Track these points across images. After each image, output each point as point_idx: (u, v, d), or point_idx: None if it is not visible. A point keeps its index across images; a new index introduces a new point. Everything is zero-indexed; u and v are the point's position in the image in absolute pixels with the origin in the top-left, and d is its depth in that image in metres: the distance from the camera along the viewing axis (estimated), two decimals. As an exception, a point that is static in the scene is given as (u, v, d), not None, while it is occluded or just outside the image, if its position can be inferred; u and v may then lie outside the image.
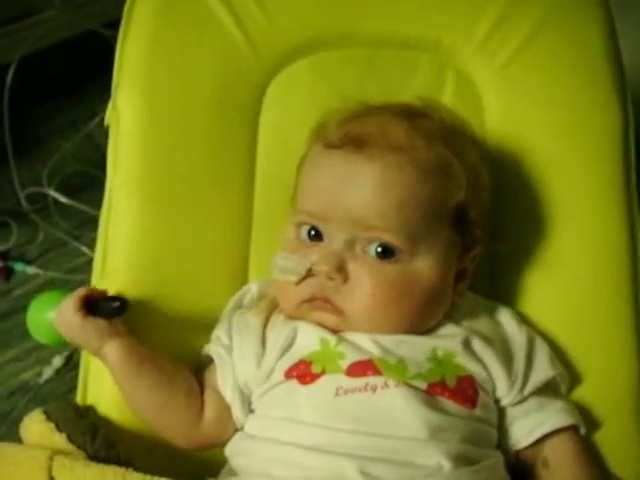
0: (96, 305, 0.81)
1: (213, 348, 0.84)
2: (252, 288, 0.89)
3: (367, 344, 0.79)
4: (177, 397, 0.82)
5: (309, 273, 0.80)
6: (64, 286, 1.44)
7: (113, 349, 0.81)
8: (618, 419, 0.88)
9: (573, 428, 0.83)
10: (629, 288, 0.92)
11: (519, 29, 0.98)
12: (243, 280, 0.90)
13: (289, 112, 0.97)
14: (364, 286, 0.79)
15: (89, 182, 1.51)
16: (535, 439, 0.82)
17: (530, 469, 0.83)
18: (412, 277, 0.80)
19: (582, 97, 0.97)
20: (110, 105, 0.95)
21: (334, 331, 0.81)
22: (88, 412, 0.82)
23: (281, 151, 0.95)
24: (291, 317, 0.83)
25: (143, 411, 0.83)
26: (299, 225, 0.83)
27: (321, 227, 0.81)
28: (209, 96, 0.94)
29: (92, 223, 0.92)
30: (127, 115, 0.92)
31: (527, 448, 0.83)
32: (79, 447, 0.74)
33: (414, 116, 0.84)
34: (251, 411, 0.82)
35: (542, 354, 0.85)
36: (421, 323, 0.82)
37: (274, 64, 0.96)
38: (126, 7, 0.96)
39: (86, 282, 0.93)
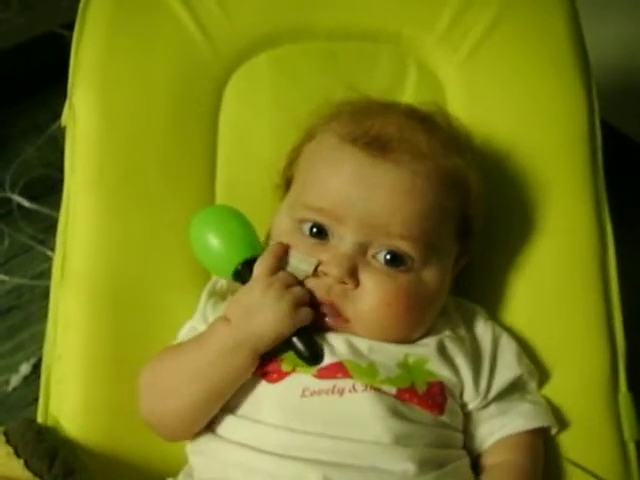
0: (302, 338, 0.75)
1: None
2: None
3: (340, 345, 0.77)
4: None
5: (315, 273, 0.77)
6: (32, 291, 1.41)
7: (245, 359, 0.75)
8: (591, 414, 0.87)
9: (536, 430, 0.82)
10: (599, 280, 0.91)
11: (481, 18, 0.97)
12: (206, 279, 0.87)
13: (250, 107, 0.95)
14: (377, 294, 0.76)
15: (53, 186, 1.43)
16: (493, 442, 0.81)
17: (485, 470, 0.81)
18: (421, 287, 0.78)
19: (547, 84, 0.96)
20: (67, 105, 0.93)
21: None
22: (48, 432, 0.79)
23: (242, 148, 0.94)
24: None
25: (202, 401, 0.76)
26: (302, 221, 0.79)
27: (330, 226, 0.77)
28: (167, 94, 0.92)
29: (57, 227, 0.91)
30: (83, 115, 0.90)
31: (487, 450, 0.82)
32: (36, 474, 0.71)
33: (427, 122, 0.83)
34: None
35: (508, 352, 0.84)
36: (418, 331, 0.80)
37: (233, 59, 0.95)
38: (81, 5, 0.94)
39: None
